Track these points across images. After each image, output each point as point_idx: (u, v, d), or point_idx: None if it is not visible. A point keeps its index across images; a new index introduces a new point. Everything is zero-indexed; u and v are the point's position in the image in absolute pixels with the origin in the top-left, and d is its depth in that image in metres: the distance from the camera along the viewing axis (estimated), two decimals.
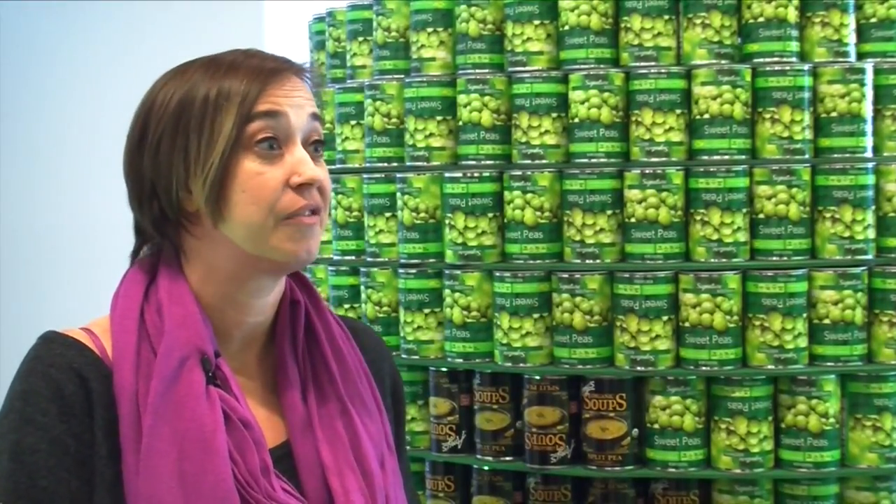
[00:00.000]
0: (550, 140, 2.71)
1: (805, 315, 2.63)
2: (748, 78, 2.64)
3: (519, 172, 2.71)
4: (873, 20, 2.73)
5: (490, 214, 2.73)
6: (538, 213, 2.69)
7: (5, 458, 1.45)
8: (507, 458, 2.75)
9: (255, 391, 1.60)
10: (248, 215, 1.51)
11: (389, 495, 1.61)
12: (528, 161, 2.72)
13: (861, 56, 2.73)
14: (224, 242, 1.54)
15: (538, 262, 2.70)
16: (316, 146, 1.58)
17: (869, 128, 2.68)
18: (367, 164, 2.92)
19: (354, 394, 1.63)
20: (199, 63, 1.57)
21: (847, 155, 2.66)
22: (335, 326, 1.67)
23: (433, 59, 2.83)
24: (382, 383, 1.72)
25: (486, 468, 2.78)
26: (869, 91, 2.67)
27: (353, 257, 2.96)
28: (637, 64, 2.68)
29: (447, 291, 2.77)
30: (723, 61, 2.66)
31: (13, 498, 1.44)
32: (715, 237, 2.62)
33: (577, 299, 2.66)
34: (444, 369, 2.80)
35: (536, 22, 2.73)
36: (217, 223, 1.52)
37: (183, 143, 1.52)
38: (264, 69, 1.54)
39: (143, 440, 1.46)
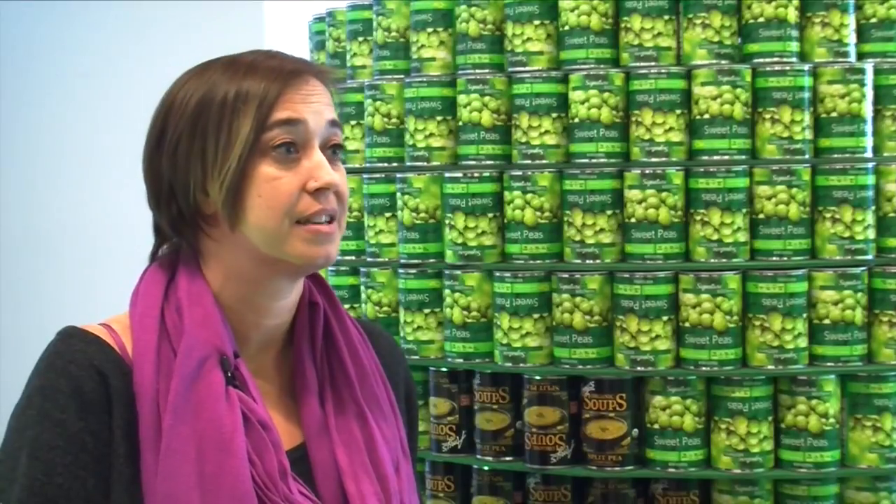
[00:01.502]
0: (550, 140, 2.71)
1: (805, 315, 2.63)
2: (748, 78, 2.64)
3: (519, 172, 2.71)
4: (873, 20, 2.73)
5: (490, 214, 2.73)
6: (538, 214, 2.69)
7: (24, 454, 1.45)
8: (507, 459, 2.75)
9: (271, 393, 1.60)
10: (264, 219, 1.51)
11: (404, 499, 1.60)
12: (528, 161, 2.72)
13: (861, 56, 2.73)
14: (242, 245, 1.53)
15: (538, 262, 2.70)
16: (334, 149, 1.57)
17: (869, 128, 2.68)
18: (367, 165, 2.92)
19: (371, 397, 1.63)
20: (219, 63, 1.55)
21: (847, 155, 2.66)
22: (353, 329, 1.66)
23: (433, 59, 2.83)
24: (397, 388, 1.72)
25: (486, 468, 2.78)
26: (869, 91, 2.68)
27: (353, 257, 2.96)
28: (637, 64, 2.68)
29: (447, 291, 2.77)
30: (723, 61, 2.66)
31: (29, 494, 1.44)
32: (715, 237, 2.62)
33: (577, 299, 2.66)
34: (444, 369, 2.80)
35: (536, 22, 2.73)
36: (234, 226, 1.52)
37: (200, 146, 1.51)
38: (283, 71, 1.53)
39: (162, 440, 1.46)
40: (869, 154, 2.69)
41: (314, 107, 1.53)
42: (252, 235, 1.52)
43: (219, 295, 1.55)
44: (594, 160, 2.68)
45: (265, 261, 1.53)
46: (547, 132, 2.71)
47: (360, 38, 3.00)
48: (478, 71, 2.78)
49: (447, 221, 2.76)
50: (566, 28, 2.72)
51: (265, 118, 1.50)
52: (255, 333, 1.58)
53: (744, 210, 2.63)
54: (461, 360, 2.76)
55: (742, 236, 2.63)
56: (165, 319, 1.52)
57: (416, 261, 2.81)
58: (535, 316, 2.70)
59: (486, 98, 2.74)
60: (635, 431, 2.66)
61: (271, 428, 1.52)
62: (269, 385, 1.60)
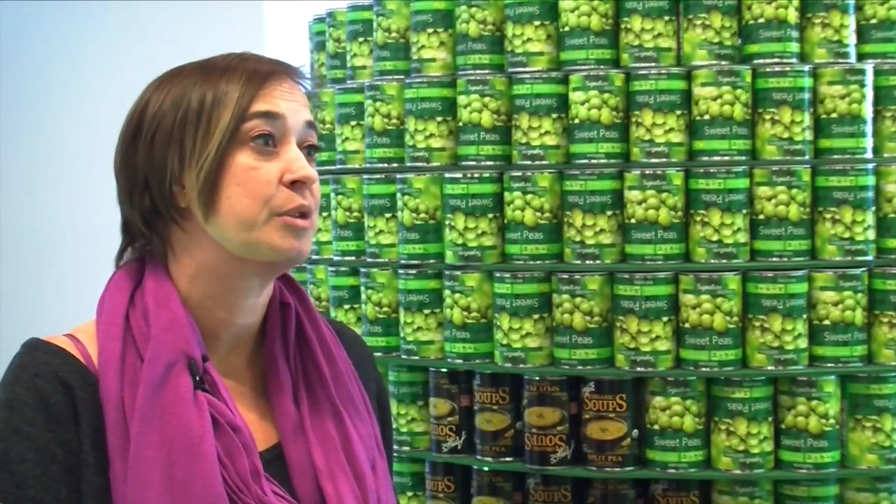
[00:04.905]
0: (550, 141, 2.71)
1: (805, 316, 2.63)
2: (748, 79, 2.64)
3: (519, 173, 2.71)
4: (873, 21, 2.73)
5: (490, 215, 2.73)
6: (538, 214, 2.69)
7: None
8: (507, 459, 2.75)
9: (244, 394, 1.59)
10: (242, 209, 1.51)
11: (381, 498, 1.60)
12: (529, 162, 2.72)
13: (861, 57, 2.74)
14: (214, 239, 1.54)
15: (538, 262, 2.70)
16: (309, 150, 1.58)
17: (869, 129, 2.68)
18: (368, 165, 2.92)
19: (346, 396, 1.63)
20: (192, 66, 1.57)
21: (847, 156, 2.67)
22: (325, 329, 1.67)
23: (433, 59, 2.83)
24: (367, 387, 1.72)
25: (486, 469, 2.78)
26: (869, 92, 2.68)
27: (353, 258, 2.96)
28: (637, 65, 2.68)
29: (447, 292, 2.77)
30: (723, 62, 2.66)
31: None
32: (715, 238, 2.62)
33: (578, 300, 2.66)
34: (444, 370, 2.80)
35: (536, 23, 2.73)
36: (208, 217, 1.52)
37: (179, 136, 1.52)
38: (260, 71, 1.55)
39: (130, 447, 1.45)
40: (869, 155, 2.69)
41: (293, 105, 1.55)
42: (226, 227, 1.52)
43: (188, 293, 1.55)
44: (594, 161, 2.68)
45: (236, 256, 1.53)
46: (547, 133, 2.71)
47: (360, 39, 3.00)
48: (478, 71, 2.78)
49: (447, 222, 2.76)
50: (566, 29, 2.71)
51: (245, 109, 1.52)
52: (225, 332, 1.58)
53: (744, 211, 2.63)
54: (461, 361, 2.76)
55: (742, 237, 2.63)
56: (132, 325, 1.52)
57: (416, 261, 2.80)
58: (535, 316, 2.70)
59: (487, 98, 2.74)
60: (635, 432, 2.66)
61: (242, 429, 1.51)
62: (241, 386, 1.60)
